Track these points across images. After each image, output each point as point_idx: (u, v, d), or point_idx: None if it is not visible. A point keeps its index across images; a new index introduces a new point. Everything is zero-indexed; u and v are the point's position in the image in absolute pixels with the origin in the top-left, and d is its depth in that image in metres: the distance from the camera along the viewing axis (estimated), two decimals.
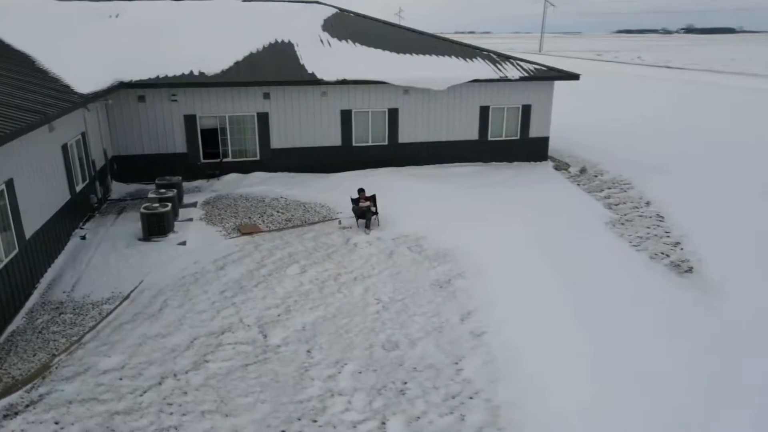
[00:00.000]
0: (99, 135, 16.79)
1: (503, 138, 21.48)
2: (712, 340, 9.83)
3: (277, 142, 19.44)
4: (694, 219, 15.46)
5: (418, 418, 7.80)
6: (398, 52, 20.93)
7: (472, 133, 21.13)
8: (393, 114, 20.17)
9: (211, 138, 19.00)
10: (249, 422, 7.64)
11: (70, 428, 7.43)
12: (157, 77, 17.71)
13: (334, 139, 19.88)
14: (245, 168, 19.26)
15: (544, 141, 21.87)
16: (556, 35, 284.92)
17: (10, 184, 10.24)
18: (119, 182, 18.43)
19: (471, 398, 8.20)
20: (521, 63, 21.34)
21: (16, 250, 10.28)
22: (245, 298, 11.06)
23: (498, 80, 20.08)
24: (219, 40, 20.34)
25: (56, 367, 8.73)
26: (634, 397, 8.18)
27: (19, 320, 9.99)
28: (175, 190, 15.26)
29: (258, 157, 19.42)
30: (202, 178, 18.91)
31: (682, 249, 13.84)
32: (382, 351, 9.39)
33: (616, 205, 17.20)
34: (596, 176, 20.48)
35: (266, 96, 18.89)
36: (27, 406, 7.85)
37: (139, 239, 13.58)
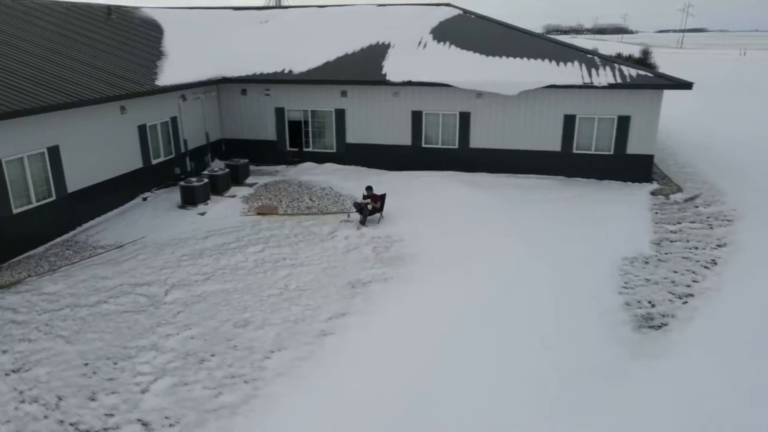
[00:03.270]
0: (201, 120, 20.46)
1: (592, 152, 19.10)
2: None
3: (351, 137, 20.82)
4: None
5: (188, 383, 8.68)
6: (489, 55, 20.20)
7: (553, 144, 19.33)
8: (464, 118, 19.71)
9: (297, 129, 21.33)
10: (87, 345, 9.48)
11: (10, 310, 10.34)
12: (254, 74, 20.68)
13: (404, 138, 20.38)
14: (321, 158, 21.14)
15: (645, 159, 18.75)
16: None
17: (55, 149, 13.89)
18: (226, 161, 22.05)
19: None
20: (625, 68, 18.59)
21: (53, 198, 13.91)
22: (192, 263, 12.93)
23: (580, 86, 18.00)
24: (328, 42, 22.46)
25: (19, 284, 11.86)
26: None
27: (39, 249, 13.59)
28: (227, 171, 17.95)
29: (334, 150, 21.09)
30: (285, 163, 21.40)
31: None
32: (230, 326, 10.29)
33: (671, 242, 14.23)
34: (707, 205, 16.87)
35: (344, 94, 20.39)
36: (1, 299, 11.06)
37: (178, 206, 16.54)
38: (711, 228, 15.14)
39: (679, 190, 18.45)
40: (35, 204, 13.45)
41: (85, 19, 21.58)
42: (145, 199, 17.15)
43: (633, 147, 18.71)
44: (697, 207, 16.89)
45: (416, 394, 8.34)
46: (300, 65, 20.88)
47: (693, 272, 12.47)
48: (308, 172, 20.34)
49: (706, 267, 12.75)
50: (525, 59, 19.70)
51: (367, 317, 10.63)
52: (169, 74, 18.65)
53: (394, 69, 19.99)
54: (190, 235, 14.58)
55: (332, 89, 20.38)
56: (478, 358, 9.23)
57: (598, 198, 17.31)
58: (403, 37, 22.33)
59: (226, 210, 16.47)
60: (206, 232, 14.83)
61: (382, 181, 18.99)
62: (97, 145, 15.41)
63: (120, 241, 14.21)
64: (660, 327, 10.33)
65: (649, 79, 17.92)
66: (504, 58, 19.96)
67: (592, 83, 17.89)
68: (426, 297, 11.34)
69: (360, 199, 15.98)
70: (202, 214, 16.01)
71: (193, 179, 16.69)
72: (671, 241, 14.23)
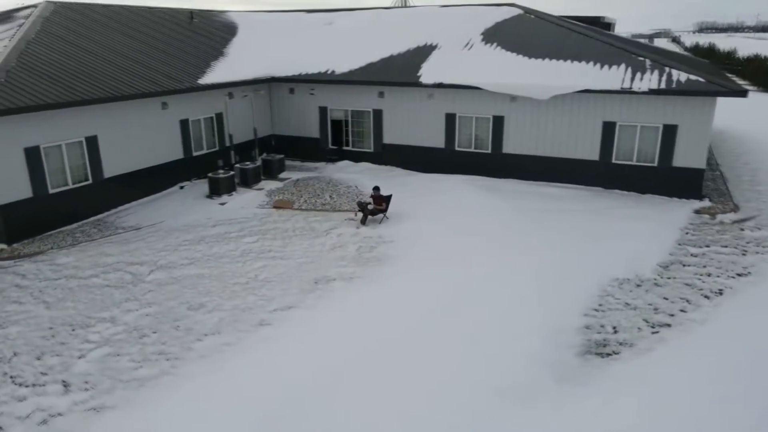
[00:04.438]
0: (250, 116, 21.77)
1: (633, 163, 17.58)
2: None
3: (388, 137, 21.01)
4: None
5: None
6: (532, 57, 19.32)
7: (591, 153, 18.06)
8: (498, 122, 19.07)
9: (338, 128, 21.94)
10: (60, 312, 10.78)
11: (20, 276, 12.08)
12: (299, 74, 21.60)
13: (437, 141, 20.16)
14: (359, 157, 21.56)
15: (694, 173, 16.90)
16: None
17: (93, 138, 15.68)
18: (266, 156, 23.27)
19: None
20: (676, 72, 16.85)
21: (89, 181, 15.72)
22: (188, 248, 13.98)
23: (617, 92, 16.66)
24: (377, 43, 22.80)
25: (41, 254, 13.61)
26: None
27: (72, 225, 15.42)
28: (258, 165, 19.01)
29: (372, 149, 21.42)
30: (326, 161, 22.10)
31: None
32: (184, 308, 11.06)
33: (683, 266, 12.81)
34: (757, 229, 14.93)
35: (381, 95, 20.64)
36: (13, 265, 12.86)
37: (205, 196, 17.84)
38: (743, 255, 13.40)
39: (734, 210, 16.44)
40: (71, 186, 15.31)
41: (166, 23, 23.84)
42: (182, 187, 18.70)
43: (680, 159, 16.97)
44: (742, 230, 14.98)
45: (313, 397, 8.46)
46: (343, 66, 21.45)
47: (687, 301, 11.20)
48: (343, 171, 20.86)
49: (706, 297, 11.38)
50: (568, 61, 18.60)
51: (311, 312, 10.89)
52: (218, 73, 20.12)
53: (431, 71, 19.86)
54: (201, 223, 15.72)
55: (370, 90, 20.71)
56: (391, 370, 9.07)
57: (628, 213, 15.96)
58: (452, 39, 22.04)
59: (246, 202, 17.48)
60: (217, 221, 15.89)
61: (407, 182, 19.04)
62: (136, 136, 17.09)
63: (140, 224, 15.70)
64: (608, 355, 9.48)
65: (698, 84, 16.14)
66: (546, 60, 18.99)
67: (630, 88, 16.50)
68: (380, 299, 11.33)
69: (367, 198, 16.19)
70: (223, 204, 17.15)
71: (220, 171, 17.91)
72: (684, 265, 12.82)
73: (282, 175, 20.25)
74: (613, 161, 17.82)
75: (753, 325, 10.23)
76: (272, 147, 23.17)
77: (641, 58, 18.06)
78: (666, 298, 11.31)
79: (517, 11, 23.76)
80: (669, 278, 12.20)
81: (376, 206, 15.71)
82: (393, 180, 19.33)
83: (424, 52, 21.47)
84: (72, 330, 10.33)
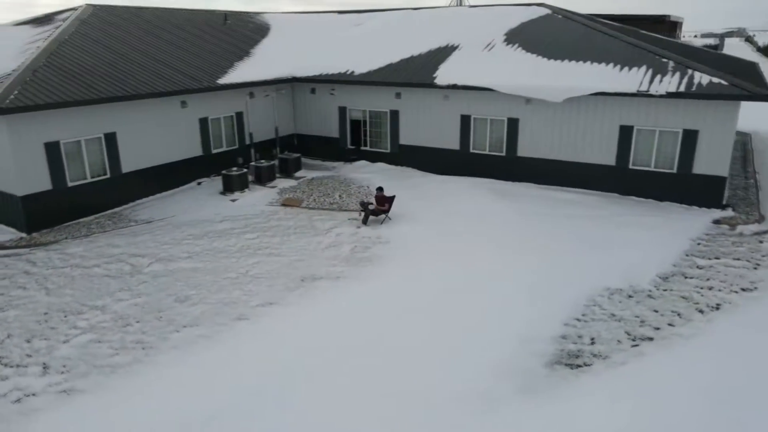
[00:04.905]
0: (271, 115, 22.24)
1: (651, 168, 16.88)
2: None
3: (404, 138, 20.98)
4: None
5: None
6: (551, 58, 18.83)
7: (608, 157, 17.46)
8: (513, 124, 18.71)
9: (357, 128, 22.09)
10: (58, 299, 11.42)
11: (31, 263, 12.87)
12: (320, 74, 21.89)
13: (452, 143, 19.98)
14: (376, 158, 21.65)
15: (715, 181, 16.06)
16: None
17: (111, 135, 16.45)
18: (295, 153, 23.68)
19: None
20: (698, 74, 16.04)
21: (107, 176, 16.51)
22: (190, 242, 14.45)
23: (633, 95, 16.04)
24: (400, 44, 22.81)
25: (56, 243, 14.40)
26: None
27: (90, 217, 16.22)
28: (273, 163, 19.41)
29: (388, 150, 21.46)
30: (345, 160, 22.30)
31: None
32: (171, 300, 11.46)
33: (685, 278, 12.22)
34: None
35: (398, 95, 20.64)
36: (28, 253, 13.71)
37: (219, 193, 18.37)
38: (755, 269, 12.66)
39: (758, 221, 15.54)
40: (89, 180, 16.11)
41: (199, 25, 24.62)
42: (200, 183, 19.32)
43: (701, 166, 16.17)
44: (761, 243, 14.16)
45: (260, 397, 8.59)
46: (363, 66, 21.58)
47: (678, 314, 10.70)
48: (358, 170, 21.00)
49: (700, 311, 10.83)
50: (587, 63, 18.04)
51: (290, 309, 11.08)
52: (239, 73, 20.67)
53: (447, 72, 19.70)
54: (209, 219, 16.20)
55: (388, 90, 20.76)
56: (348, 372, 9.09)
57: (638, 221, 15.36)
58: (474, 39, 21.78)
59: (256, 199, 17.89)
60: (224, 217, 16.34)
61: (417, 183, 18.99)
62: (154, 133, 17.79)
63: (153, 217, 16.35)
64: (578, 366, 9.19)
65: (719, 87, 15.32)
66: (566, 61, 18.49)
67: (647, 91, 15.86)
68: (359, 301, 11.40)
69: (372, 198, 16.27)
70: (234, 200, 17.62)
71: (234, 169, 18.41)
72: (686, 277, 12.24)
73: (298, 174, 20.59)
74: (630, 167, 17.17)
75: (742, 343, 9.68)
76: (294, 146, 23.59)
77: (665, 60, 17.30)
78: (656, 311, 10.84)
79: (545, 11, 23.24)
80: (665, 290, 11.67)
81: (378, 206, 15.76)
82: (405, 181, 19.33)
83: (444, 53, 21.32)
84: (64, 316, 10.91)
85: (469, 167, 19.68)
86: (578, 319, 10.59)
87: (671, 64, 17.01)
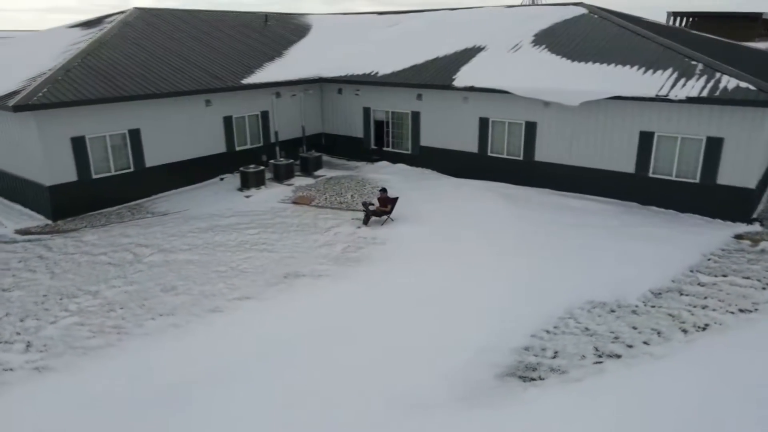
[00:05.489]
0: (298, 115, 22.74)
1: (672, 177, 15.94)
2: None
3: (425, 140, 20.89)
4: None
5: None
6: (575, 60, 18.17)
7: (627, 165, 16.65)
8: (530, 128, 18.20)
9: (380, 129, 22.20)
10: (60, 282, 12.30)
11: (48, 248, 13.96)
12: (345, 75, 22.17)
13: (471, 145, 19.69)
14: (397, 159, 21.67)
15: (741, 193, 14.95)
16: None
17: (136, 131, 17.43)
18: (322, 152, 24.11)
19: None
20: (727, 78, 14.97)
21: (131, 169, 17.51)
22: (194, 235, 15.08)
23: (651, 99, 15.22)
24: (427, 45, 22.72)
25: (70, 232, 15.45)
26: None
27: (113, 208, 17.26)
28: (291, 162, 19.89)
29: (409, 151, 21.43)
30: (367, 160, 22.47)
31: None
32: (158, 289, 12.05)
33: (680, 295, 11.51)
34: None
35: (419, 97, 20.57)
36: (48, 239, 14.83)
37: (237, 189, 19.02)
38: (763, 288, 11.74)
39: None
40: (113, 173, 17.15)
41: (239, 27, 25.56)
42: (222, 179, 20.09)
43: (725, 177, 15.12)
44: None
45: (203, 390, 8.90)
46: (387, 67, 21.67)
47: (658, 333, 10.12)
48: (378, 171, 21.10)
49: (684, 330, 10.19)
50: (611, 65, 17.26)
51: (264, 304, 11.37)
52: (266, 73, 21.31)
53: (468, 73, 19.44)
54: (220, 213, 16.83)
55: (409, 92, 20.73)
56: (294, 373, 9.17)
57: (650, 232, 14.58)
58: (503, 40, 21.35)
59: (270, 196, 18.39)
60: (235, 212, 16.93)
61: (431, 186, 18.89)
62: (178, 130, 18.67)
63: (169, 210, 17.18)
64: (531, 380, 8.91)
65: (746, 93, 14.26)
66: (590, 63, 17.78)
67: (666, 96, 15.00)
68: (332, 300, 11.52)
69: (374, 199, 16.35)
70: (248, 197, 18.21)
71: (251, 166, 19.01)
72: (681, 294, 11.53)
73: (318, 173, 20.96)
74: (650, 175, 16.31)
75: (720, 364, 9.03)
76: (322, 145, 24.03)
77: (694, 62, 16.28)
78: (635, 328, 10.30)
79: (581, 11, 22.42)
80: (653, 306, 11.06)
81: (380, 207, 15.82)
82: (419, 183, 19.27)
83: (469, 54, 21.04)
84: (60, 299, 11.72)
85: (486, 171, 19.33)
86: (548, 332, 10.24)
87: (699, 66, 15.99)
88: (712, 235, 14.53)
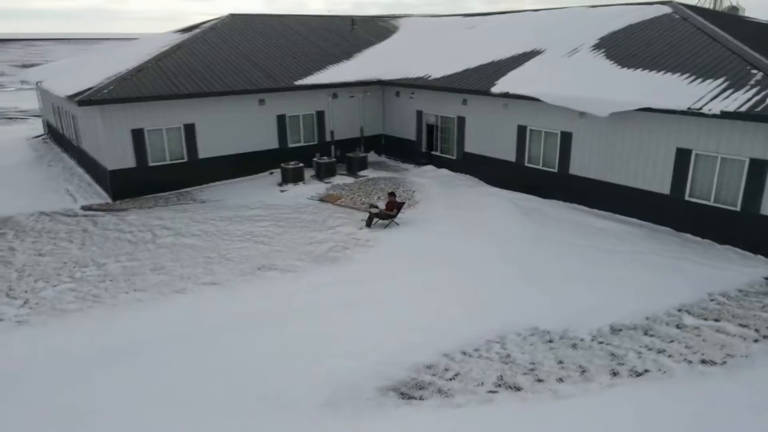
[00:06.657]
0: (356, 115, 23.44)
1: (710, 203, 13.90)
2: None
3: (469, 146, 20.39)
4: None
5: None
6: (629, 67, 16.54)
7: (661, 185, 14.84)
8: (566, 138, 16.94)
9: (431, 132, 22.07)
10: (83, 253, 14.38)
11: (94, 223, 16.38)
12: (402, 78, 22.37)
13: (509, 154, 18.83)
14: (443, 164, 21.42)
15: None
16: None
17: (191, 126, 19.42)
18: (382, 153, 24.56)
19: None
20: None
21: (184, 159, 19.57)
22: (213, 223, 16.48)
23: (681, 112, 13.41)
24: (491, 48, 22.07)
25: (120, 212, 17.72)
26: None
27: (165, 193, 19.40)
28: (333, 160, 20.68)
29: (454, 157, 21.05)
30: (417, 163, 22.47)
31: None
32: (149, 268, 13.50)
33: (640, 335, 10.20)
34: None
35: (464, 102, 20.12)
36: (101, 216, 17.28)
37: (277, 184, 20.26)
38: (755, 341, 9.99)
39: None
40: (168, 162, 19.30)
41: (321, 31, 27.00)
42: (271, 173, 21.48)
43: None
44: None
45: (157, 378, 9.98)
46: (440, 71, 21.47)
47: (583, 371, 9.18)
48: (421, 175, 21.07)
49: (615, 373, 9.13)
50: (660, 72, 15.50)
51: (225, 292, 12.21)
52: (325, 75, 22.33)
53: (512, 79, 18.63)
54: (249, 205, 18.13)
55: (456, 97, 20.38)
56: (192, 367, 9.70)
57: (662, 262, 12.98)
58: (563, 44, 20.07)
59: (303, 192, 19.33)
60: (262, 205, 18.12)
61: (457, 193, 18.57)
62: (231, 126, 20.37)
63: (209, 198, 18.90)
64: (410, 398, 8.68)
65: None
66: (638, 70, 16.11)
67: (699, 109, 13.16)
68: (277, 295, 11.99)
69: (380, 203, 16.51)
70: (283, 191, 19.34)
71: (291, 163, 20.12)
72: (645, 334, 10.27)
73: (362, 172, 21.49)
74: (686, 198, 14.41)
75: (615, 417, 8.00)
76: (381, 145, 24.51)
77: (755, 70, 14.03)
78: (560, 362, 9.44)
79: (665, 10, 20.20)
80: (600, 343, 10.00)
81: (385, 210, 15.94)
82: (450, 189, 18.94)
83: (523, 58, 20.11)
84: (73, 267, 13.70)
85: (521, 181, 18.40)
86: (464, 353, 9.79)
87: (758, 76, 13.75)
88: (740, 272, 12.52)
